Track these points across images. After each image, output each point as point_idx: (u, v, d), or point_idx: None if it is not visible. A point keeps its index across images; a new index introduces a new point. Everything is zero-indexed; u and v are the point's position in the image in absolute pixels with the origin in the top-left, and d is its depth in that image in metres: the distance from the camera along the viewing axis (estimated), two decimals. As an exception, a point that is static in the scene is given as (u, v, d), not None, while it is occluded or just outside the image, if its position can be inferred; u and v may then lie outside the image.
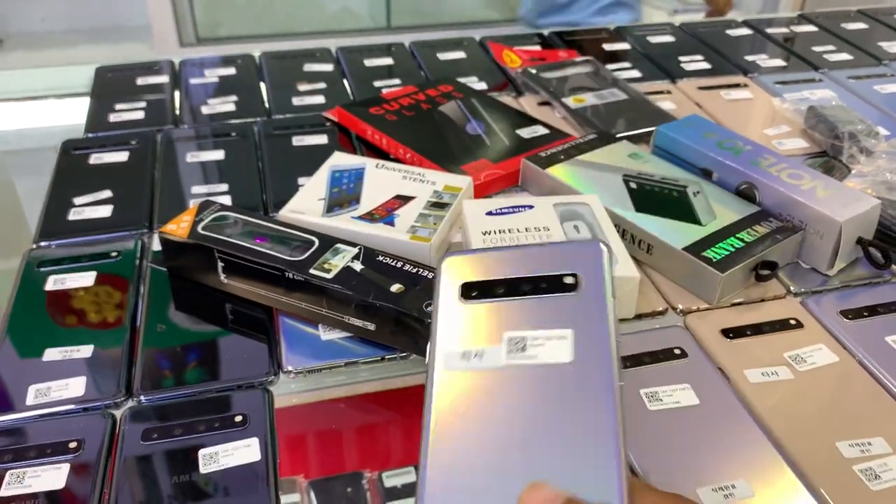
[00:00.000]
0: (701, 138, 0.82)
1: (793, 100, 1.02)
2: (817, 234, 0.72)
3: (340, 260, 0.66)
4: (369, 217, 0.74)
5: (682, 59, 1.17)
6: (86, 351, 0.63)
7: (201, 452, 0.55)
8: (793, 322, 0.67)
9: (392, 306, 0.61)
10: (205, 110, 1.01)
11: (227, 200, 0.83)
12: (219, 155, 0.91)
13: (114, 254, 0.75)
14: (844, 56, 1.19)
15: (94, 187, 0.85)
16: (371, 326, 0.63)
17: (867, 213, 0.71)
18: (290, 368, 0.62)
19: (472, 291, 0.40)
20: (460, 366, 0.37)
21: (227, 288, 0.69)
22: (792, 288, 0.71)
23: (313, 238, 0.68)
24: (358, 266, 0.65)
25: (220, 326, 0.67)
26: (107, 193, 0.84)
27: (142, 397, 0.60)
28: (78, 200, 0.83)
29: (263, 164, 0.89)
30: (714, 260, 0.68)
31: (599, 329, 0.37)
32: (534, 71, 1.07)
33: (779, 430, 0.57)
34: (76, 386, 0.60)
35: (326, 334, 0.66)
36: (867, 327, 0.67)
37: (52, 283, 0.71)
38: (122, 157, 0.91)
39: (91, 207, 0.82)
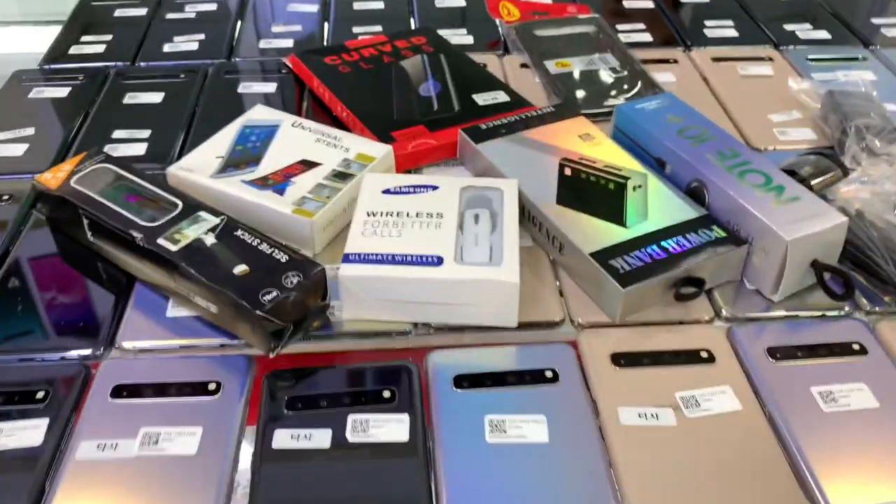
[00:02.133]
0: (662, 122, 0.71)
1: (817, 81, 0.87)
2: (764, 252, 0.60)
3: (194, 231, 0.60)
4: (261, 182, 0.67)
5: (708, 22, 1.02)
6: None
7: (-14, 429, 0.51)
8: (704, 355, 0.57)
9: (223, 289, 0.55)
10: (167, 48, 0.96)
11: (141, 148, 0.78)
12: (156, 98, 0.86)
13: (5, 197, 0.72)
14: (907, 32, 1.01)
15: (21, 123, 0.82)
16: (214, 309, 0.57)
17: (826, 233, 0.59)
18: (122, 345, 0.57)
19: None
20: None
21: (95, 248, 0.64)
22: (724, 312, 0.60)
23: (178, 202, 0.62)
24: (210, 240, 0.59)
25: (75, 289, 0.63)
26: (29, 131, 0.81)
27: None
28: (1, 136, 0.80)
29: (197, 111, 0.84)
30: (620, 271, 0.58)
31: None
32: (525, 27, 0.96)
33: (630, 489, 0.48)
34: None
35: (173, 310, 0.60)
36: (794, 372, 0.56)
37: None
38: (61, 93, 0.87)
39: (8, 144, 0.79)
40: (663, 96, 0.75)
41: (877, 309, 0.61)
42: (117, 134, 0.80)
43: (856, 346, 0.58)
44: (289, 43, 0.97)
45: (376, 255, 0.58)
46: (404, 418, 0.52)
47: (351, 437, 0.51)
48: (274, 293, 0.55)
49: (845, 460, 0.50)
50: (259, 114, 0.75)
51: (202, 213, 0.61)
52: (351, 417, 0.52)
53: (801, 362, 0.56)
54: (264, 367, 0.56)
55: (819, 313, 0.61)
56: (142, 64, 0.93)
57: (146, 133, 0.80)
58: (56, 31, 1.01)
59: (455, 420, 0.52)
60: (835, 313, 0.61)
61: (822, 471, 0.49)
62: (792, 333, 0.59)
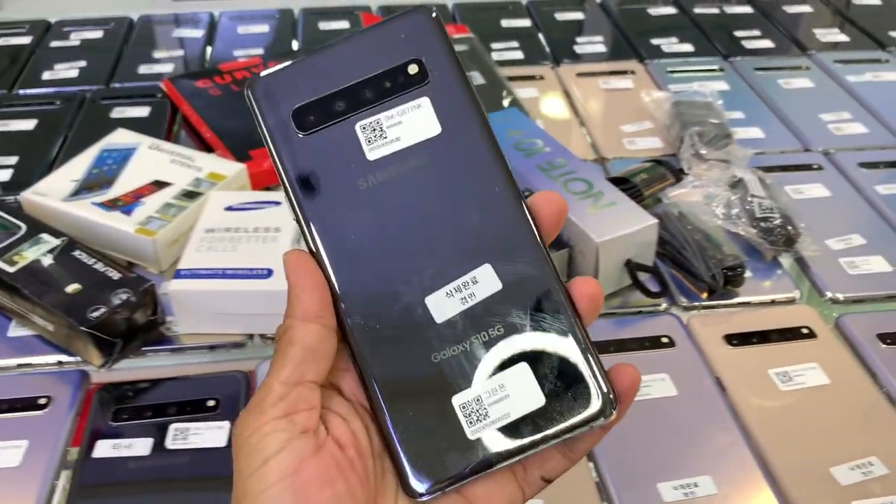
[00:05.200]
0: (501, 136, 0.74)
1: (669, 93, 0.92)
2: (581, 254, 0.64)
3: (34, 252, 0.62)
4: (111, 204, 0.69)
5: (579, 39, 1.07)
6: None
7: None
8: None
9: (53, 308, 0.57)
10: (46, 75, 0.98)
11: (6, 174, 0.79)
12: (29, 125, 0.87)
13: None
14: (767, 43, 1.07)
15: None
16: (50, 327, 0.59)
17: (636, 234, 0.63)
18: (-42, 365, 0.59)
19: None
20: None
21: (-56, 271, 0.66)
22: (547, 312, 0.64)
23: (21, 224, 0.64)
24: (48, 260, 0.61)
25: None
26: None
27: None
28: None
29: (69, 137, 0.86)
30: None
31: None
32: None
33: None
34: None
35: (15, 331, 0.62)
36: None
37: None
38: (-64, 121, 0.88)
39: None
40: (507, 111, 0.79)
41: (693, 304, 0.65)
42: (-17, 161, 0.82)
43: (665, 340, 0.62)
44: (169, 68, 1.00)
45: (208, 269, 0.61)
46: (224, 425, 0.54)
47: (171, 444, 0.53)
48: (102, 309, 0.57)
49: (632, 445, 0.54)
50: (119, 137, 0.78)
51: (44, 236, 0.63)
52: (173, 427, 0.54)
53: (611, 356, 0.60)
54: (99, 383, 0.58)
55: (636, 310, 0.65)
56: (20, 91, 0.95)
57: (13, 160, 0.82)
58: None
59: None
60: (651, 310, 0.65)
61: (602, 453, 0.53)
62: (608, 329, 0.62)
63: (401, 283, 0.31)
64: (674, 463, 0.53)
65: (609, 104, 0.93)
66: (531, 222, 0.32)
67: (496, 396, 0.30)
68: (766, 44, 1.06)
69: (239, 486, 0.28)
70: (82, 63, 1.00)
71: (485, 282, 0.31)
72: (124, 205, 0.69)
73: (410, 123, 0.32)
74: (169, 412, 0.55)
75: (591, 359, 0.31)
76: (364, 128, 0.32)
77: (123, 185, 0.71)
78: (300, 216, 0.32)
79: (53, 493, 0.51)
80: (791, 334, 0.62)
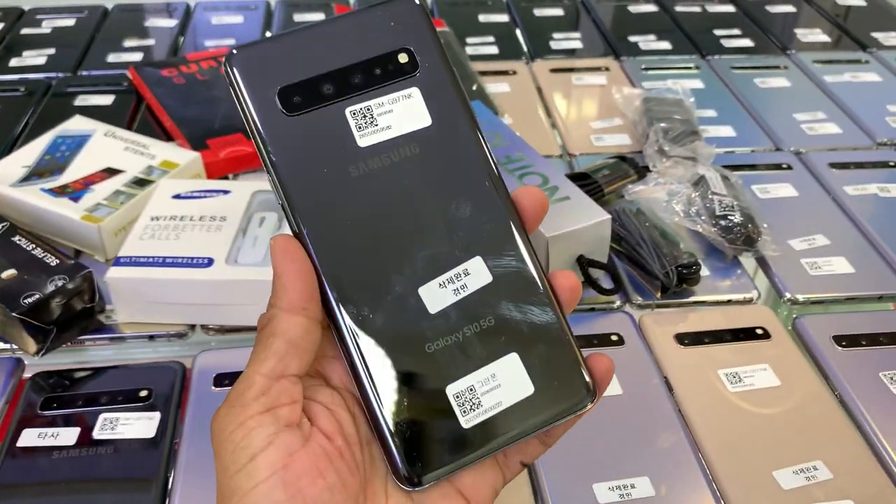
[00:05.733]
0: (460, 128, 0.73)
1: (640, 90, 0.90)
2: (533, 249, 0.62)
3: (-28, 237, 0.61)
4: (60, 190, 0.68)
5: (556, 35, 1.06)
6: None
7: None
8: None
9: (-13, 294, 0.56)
10: (13, 62, 0.97)
11: (-38, 160, 0.78)
12: (-10, 111, 0.86)
13: None
14: (746, 42, 1.05)
15: None
16: (-14, 312, 0.58)
17: (588, 230, 0.62)
18: None
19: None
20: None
21: None
22: (497, 308, 0.63)
23: (-37, 210, 0.63)
24: (-14, 245, 0.60)
25: None
26: None
27: None
28: None
29: (29, 124, 0.84)
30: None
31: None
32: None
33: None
34: None
35: (-48, 316, 0.61)
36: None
37: None
38: None
39: None
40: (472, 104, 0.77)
41: (648, 302, 0.64)
42: (-59, 147, 0.81)
43: (614, 338, 0.60)
44: (138, 57, 0.98)
45: (148, 257, 0.59)
46: (155, 416, 0.53)
47: (98, 434, 0.52)
48: (36, 295, 0.56)
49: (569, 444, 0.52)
50: (75, 124, 0.76)
51: (-16, 220, 0.62)
52: (102, 416, 0.53)
53: (558, 354, 0.59)
54: (33, 371, 0.57)
55: (589, 307, 0.63)
56: (-15, 78, 0.94)
57: (-28, 146, 0.81)
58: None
59: (206, 418, 0.53)
60: (605, 307, 0.63)
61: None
62: (557, 327, 0.61)
63: (393, 273, 0.31)
64: (613, 464, 0.51)
65: (580, 100, 0.92)
66: (517, 217, 0.33)
67: (488, 386, 0.31)
68: (746, 43, 1.05)
69: (225, 484, 0.28)
70: (51, 51, 0.99)
71: (476, 274, 0.32)
72: (73, 192, 0.68)
73: (401, 112, 0.32)
74: (101, 401, 0.54)
75: (574, 349, 0.32)
76: (354, 113, 0.32)
77: (75, 171, 0.70)
78: (286, 201, 0.31)
79: (-26, 482, 0.50)
80: (744, 335, 0.61)
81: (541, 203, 0.33)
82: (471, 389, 0.31)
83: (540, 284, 0.32)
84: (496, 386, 0.31)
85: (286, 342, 0.29)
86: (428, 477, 0.30)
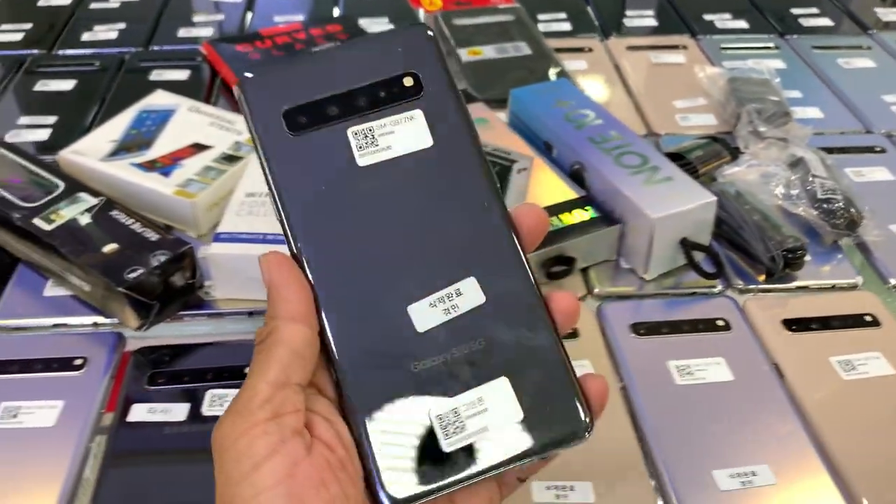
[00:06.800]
0: (550, 107, 0.71)
1: (724, 69, 0.88)
2: (634, 231, 0.61)
3: (71, 211, 0.60)
4: (149, 165, 0.67)
5: (629, 13, 1.03)
6: None
7: None
8: (569, 330, 0.57)
9: (90, 267, 0.56)
10: (85, 37, 0.96)
11: (44, 134, 0.78)
12: (68, 85, 0.86)
13: None
14: (825, 21, 1.02)
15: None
16: (86, 287, 0.58)
17: (694, 212, 0.60)
18: (-3, 323, 0.58)
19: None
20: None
21: (-19, 228, 0.65)
22: (596, 290, 0.61)
23: (60, 183, 0.63)
24: (85, 220, 0.60)
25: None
26: (-64, 116, 0.81)
27: None
28: None
29: (107, 99, 0.84)
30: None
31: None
32: (447, 16, 0.97)
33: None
34: None
35: (51, 290, 0.61)
36: (655, 346, 0.56)
37: None
38: (-26, 79, 0.87)
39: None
40: (557, 82, 0.76)
41: (750, 287, 0.62)
42: (23, 120, 0.80)
43: (720, 323, 0.59)
44: (209, 32, 0.98)
45: (248, 234, 0.59)
46: (262, 393, 0.53)
47: (207, 410, 0.52)
48: (139, 270, 0.55)
49: (687, 431, 0.51)
50: (158, 98, 0.76)
51: (82, 195, 0.62)
52: (210, 393, 0.53)
53: (664, 338, 0.57)
54: (135, 345, 0.57)
55: (690, 291, 0.62)
56: (59, 52, 0.94)
57: (52, 119, 0.80)
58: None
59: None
60: (706, 291, 0.62)
61: (657, 440, 0.50)
62: (660, 310, 0.60)
63: (383, 291, 0.31)
64: (730, 450, 0.50)
65: (660, 79, 0.90)
66: (515, 238, 0.32)
67: (474, 410, 0.30)
68: (825, 22, 1.02)
69: (226, 492, 0.27)
70: (122, 25, 0.99)
71: (469, 294, 0.31)
72: (163, 166, 0.67)
73: (403, 133, 0.32)
74: (207, 378, 0.54)
75: (570, 376, 0.31)
76: (356, 133, 0.32)
77: (162, 146, 0.70)
78: (284, 218, 0.31)
79: (88, 456, 0.49)
80: (853, 321, 0.59)
81: (540, 221, 0.33)
82: (455, 412, 0.30)
83: (536, 307, 0.31)
84: (482, 410, 0.30)
85: (290, 351, 0.29)
86: (404, 499, 0.29)
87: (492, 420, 0.30)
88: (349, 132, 0.32)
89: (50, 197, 0.61)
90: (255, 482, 0.27)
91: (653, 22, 1.01)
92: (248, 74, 0.32)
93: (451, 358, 0.30)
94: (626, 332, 0.58)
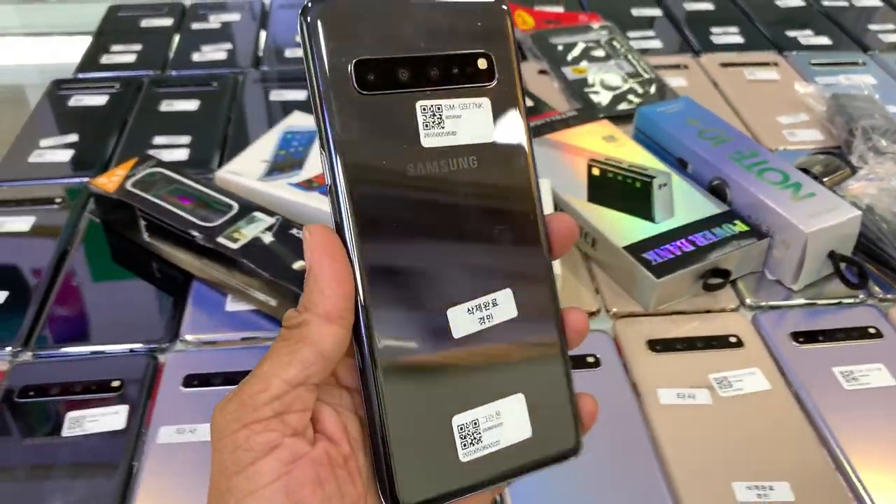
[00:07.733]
0: (682, 124, 0.75)
1: (821, 85, 0.92)
2: (784, 244, 0.64)
3: (252, 230, 0.63)
4: (307, 185, 0.70)
5: (714, 29, 1.07)
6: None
7: (68, 416, 0.54)
8: (733, 340, 0.61)
9: (288, 285, 0.59)
10: (195, 57, 0.99)
11: (183, 154, 0.81)
12: (192, 105, 0.89)
13: (58, 200, 0.75)
14: (901, 37, 1.06)
15: (64, 129, 0.85)
16: (273, 302, 0.61)
17: (842, 226, 0.63)
18: (186, 337, 0.61)
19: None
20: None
21: (152, 248, 0.68)
22: (748, 301, 0.65)
23: (233, 203, 0.66)
24: (268, 238, 0.63)
25: (134, 287, 0.66)
26: (73, 137, 0.84)
27: (31, 353, 0.60)
28: (44, 142, 0.83)
29: (232, 118, 0.87)
30: (652, 263, 0.62)
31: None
32: (541, 35, 1.00)
33: (674, 462, 0.52)
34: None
35: (232, 305, 0.64)
36: (817, 354, 0.60)
37: (-10, 226, 0.72)
38: (100, 100, 0.90)
39: (55, 150, 0.82)
40: (681, 100, 0.79)
41: (888, 296, 0.66)
42: (157, 140, 0.83)
43: (872, 330, 0.62)
44: (313, 51, 1.01)
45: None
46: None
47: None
48: (332, 287, 0.58)
49: (869, 433, 0.54)
50: (298, 120, 0.79)
51: (257, 214, 0.65)
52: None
53: (822, 345, 0.61)
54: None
55: (836, 301, 0.65)
56: (172, 73, 0.97)
57: (186, 139, 0.83)
58: (82, 41, 1.05)
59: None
60: (850, 300, 0.65)
61: (848, 442, 0.54)
62: (812, 319, 0.63)
63: (427, 287, 0.29)
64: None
65: (758, 95, 0.93)
66: (548, 254, 0.31)
67: (491, 423, 0.30)
68: (901, 38, 1.06)
69: (222, 482, 0.27)
70: (227, 45, 1.02)
71: (503, 306, 0.31)
72: (319, 186, 0.70)
73: (469, 120, 0.30)
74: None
75: (572, 398, 0.32)
76: (425, 109, 0.29)
77: (313, 166, 0.73)
78: (338, 184, 0.28)
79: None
80: None
81: (572, 232, 0.32)
82: (475, 423, 0.30)
83: (557, 327, 0.31)
84: (498, 424, 0.30)
85: (316, 353, 0.27)
86: (416, 503, 0.29)
87: (505, 435, 0.30)
88: (418, 105, 0.29)
89: (227, 217, 0.64)
90: (252, 477, 0.26)
91: (739, 39, 1.05)
92: (317, 1, 0.28)
93: (479, 368, 0.30)
94: (786, 340, 0.61)
